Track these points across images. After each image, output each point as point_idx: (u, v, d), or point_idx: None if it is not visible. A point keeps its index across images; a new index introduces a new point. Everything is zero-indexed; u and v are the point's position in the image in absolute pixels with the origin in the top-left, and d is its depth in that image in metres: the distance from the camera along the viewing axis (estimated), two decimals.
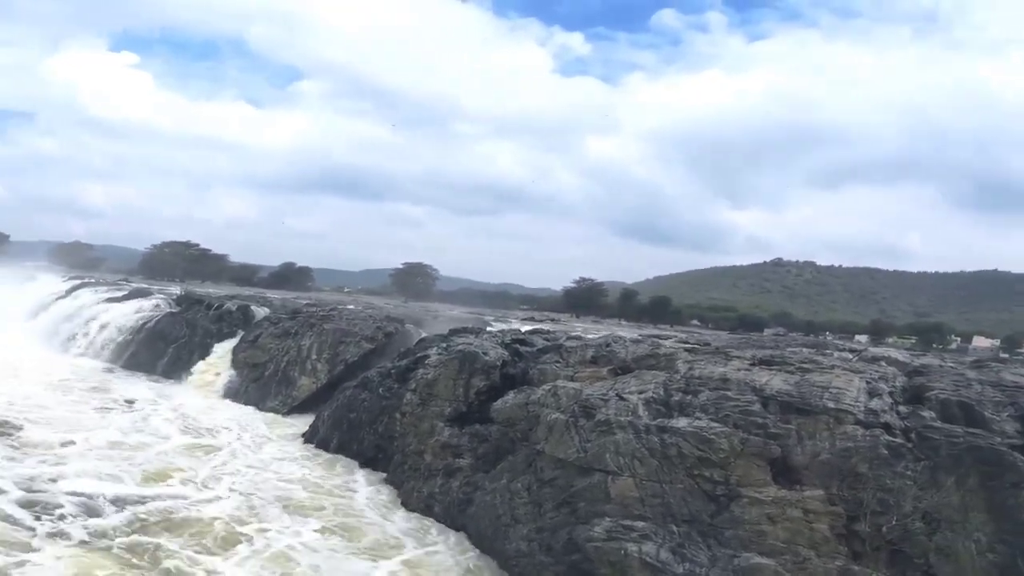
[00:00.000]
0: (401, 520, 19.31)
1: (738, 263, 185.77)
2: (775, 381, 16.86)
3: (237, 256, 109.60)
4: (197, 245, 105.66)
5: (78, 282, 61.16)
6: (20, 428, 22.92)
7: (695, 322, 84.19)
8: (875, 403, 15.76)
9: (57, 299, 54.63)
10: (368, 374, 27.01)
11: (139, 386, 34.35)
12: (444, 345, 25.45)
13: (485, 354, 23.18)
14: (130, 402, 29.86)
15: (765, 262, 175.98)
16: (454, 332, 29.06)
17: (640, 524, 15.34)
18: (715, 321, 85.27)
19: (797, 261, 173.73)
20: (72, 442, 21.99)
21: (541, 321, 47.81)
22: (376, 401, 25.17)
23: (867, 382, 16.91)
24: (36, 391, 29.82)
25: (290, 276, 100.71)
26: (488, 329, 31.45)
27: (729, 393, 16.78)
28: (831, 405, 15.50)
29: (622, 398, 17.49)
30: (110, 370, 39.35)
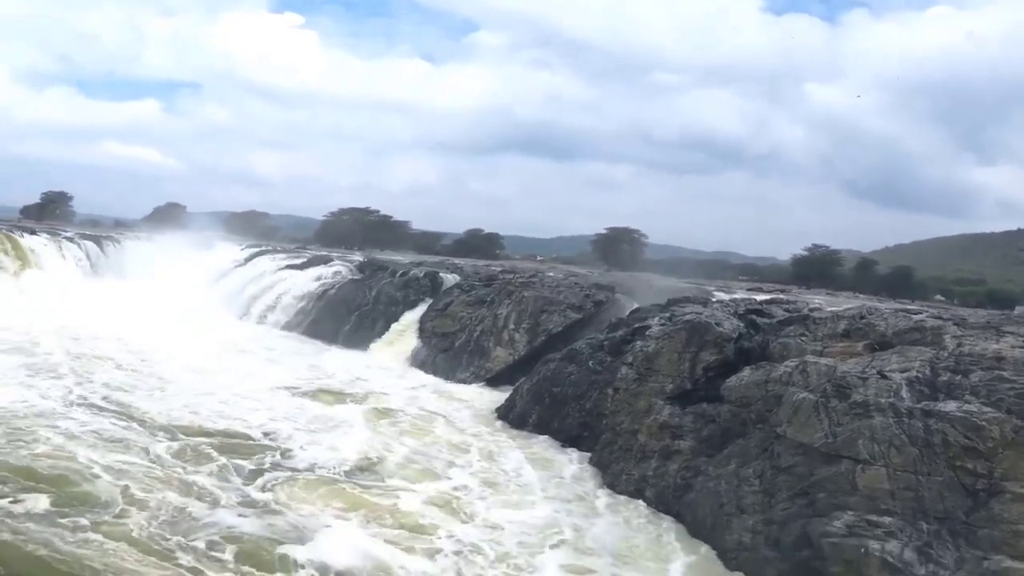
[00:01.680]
0: (609, 501, 20.73)
1: (988, 230, 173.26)
2: None
3: (419, 223, 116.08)
4: (377, 211, 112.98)
5: (256, 250, 68.33)
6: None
7: (939, 297, 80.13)
8: None
9: (236, 267, 61.74)
10: (576, 345, 28.60)
11: (318, 354, 38.70)
12: (667, 315, 26.42)
13: (718, 325, 23.88)
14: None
15: (1020, 229, 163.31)
16: (675, 302, 29.92)
17: (887, 520, 15.64)
18: (961, 296, 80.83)
19: None
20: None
21: (770, 292, 47.57)
22: (585, 375, 26.66)
23: None
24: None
25: (477, 243, 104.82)
26: (714, 299, 32.12)
27: (1005, 373, 16.70)
28: None
29: (884, 376, 17.75)
30: (291, 337, 44.15)
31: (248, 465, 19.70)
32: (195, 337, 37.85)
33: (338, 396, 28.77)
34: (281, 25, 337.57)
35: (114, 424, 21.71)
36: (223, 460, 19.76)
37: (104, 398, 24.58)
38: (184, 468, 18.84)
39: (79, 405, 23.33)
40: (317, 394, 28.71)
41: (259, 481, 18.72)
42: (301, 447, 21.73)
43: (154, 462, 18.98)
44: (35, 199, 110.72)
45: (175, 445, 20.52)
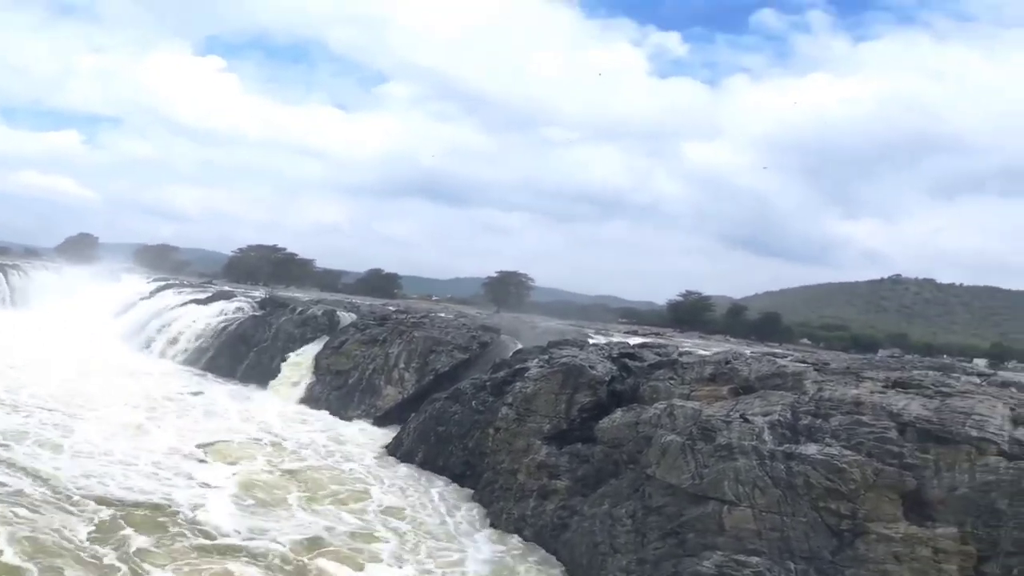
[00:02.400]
0: (489, 541, 19.33)
1: (853, 279, 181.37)
2: (913, 406, 16.17)
3: (324, 261, 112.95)
4: (283, 249, 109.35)
5: (162, 283, 64.45)
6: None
7: (805, 340, 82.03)
8: (1021, 432, 14.97)
9: (141, 299, 57.69)
10: (461, 385, 27.26)
11: (215, 390, 35.92)
12: (545, 357, 25.40)
13: (592, 368, 22.98)
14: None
15: (882, 279, 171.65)
16: (554, 344, 29.02)
17: (754, 560, 14.95)
18: (827, 340, 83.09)
19: (916, 278, 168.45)
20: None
21: (645, 335, 47.18)
22: (468, 415, 25.35)
23: (1011, 408, 16.06)
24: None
25: (377, 282, 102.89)
26: (591, 342, 31.24)
27: (863, 418, 16.18)
28: (974, 434, 14.80)
29: (746, 420, 17.06)
30: (189, 373, 41.12)
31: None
32: (89, 374, 34.55)
33: (224, 442, 26.21)
34: (204, 68, 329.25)
35: None
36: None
37: None
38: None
39: None
40: (205, 443, 25.77)
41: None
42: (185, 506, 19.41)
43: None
44: None
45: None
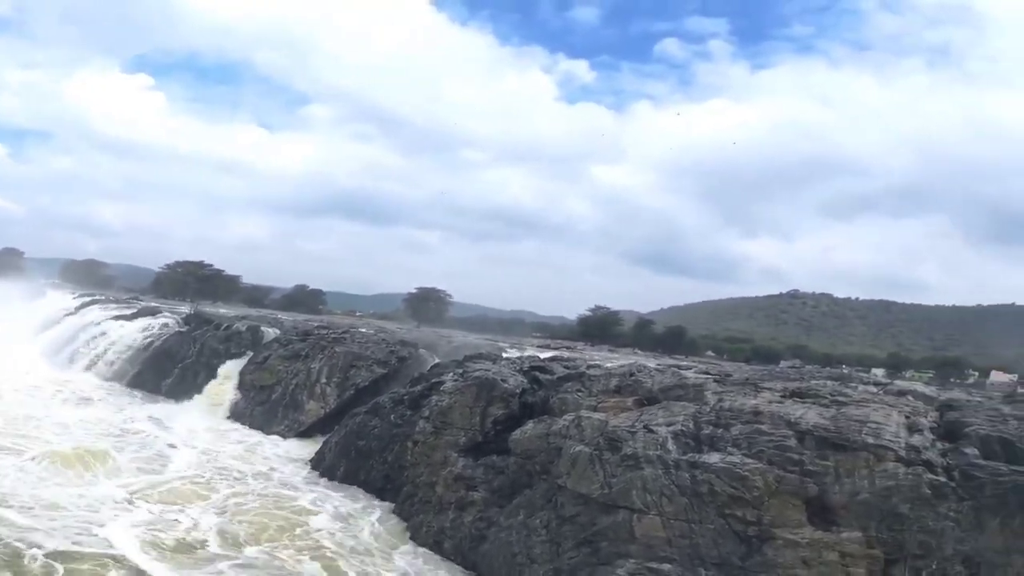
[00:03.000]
0: (408, 556, 18.28)
1: (753, 294, 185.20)
2: (810, 415, 15.93)
3: (250, 277, 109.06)
4: (210, 265, 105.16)
5: (88, 299, 60.81)
6: None
7: (710, 353, 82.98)
8: (916, 439, 14.88)
9: (66, 315, 54.23)
10: (379, 400, 26.08)
11: (139, 407, 33.64)
12: (460, 371, 24.48)
13: (504, 381, 22.19)
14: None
15: (781, 294, 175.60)
16: (469, 358, 28.08)
17: (666, 567, 14.45)
18: (730, 352, 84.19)
19: (813, 293, 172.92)
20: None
21: (557, 349, 46.64)
22: (387, 428, 24.21)
23: (906, 416, 16.02)
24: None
25: (302, 298, 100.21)
26: (504, 356, 30.45)
27: (763, 427, 15.84)
28: (871, 441, 14.57)
29: (650, 430, 16.56)
30: (112, 388, 38.56)
31: None
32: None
33: (145, 459, 24.35)
34: (132, 85, 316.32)
35: None
36: None
37: None
38: None
39: None
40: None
41: None
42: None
43: None
44: None
45: None
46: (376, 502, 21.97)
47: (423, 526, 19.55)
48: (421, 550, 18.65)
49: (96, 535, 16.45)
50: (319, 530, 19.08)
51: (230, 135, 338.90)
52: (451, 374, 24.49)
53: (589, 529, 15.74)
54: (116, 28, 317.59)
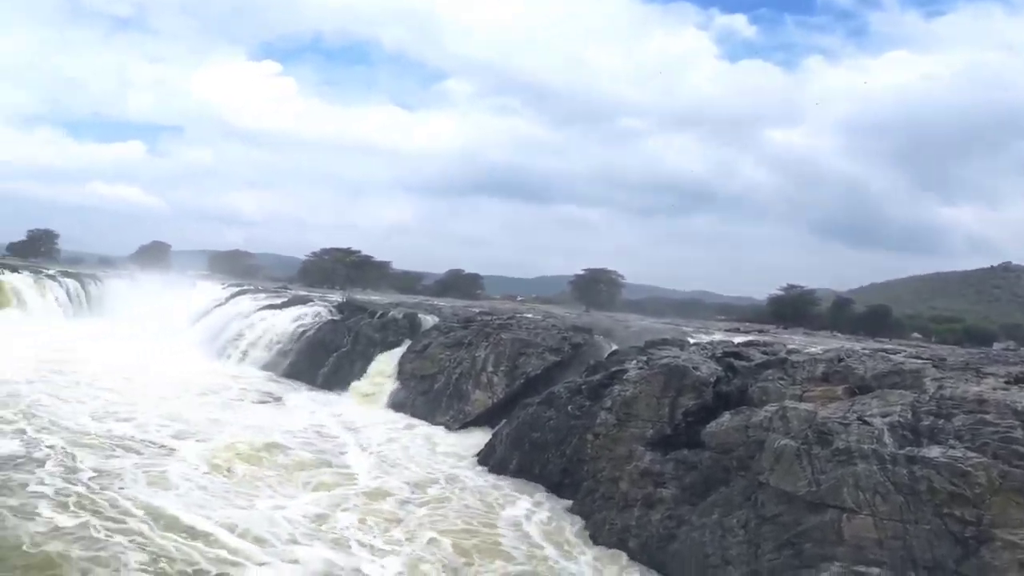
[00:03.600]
0: (588, 555, 19.88)
1: (960, 267, 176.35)
2: None
3: (398, 263, 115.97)
4: (358, 251, 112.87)
5: (237, 289, 67.66)
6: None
7: (916, 335, 79.97)
8: None
9: (216, 306, 60.69)
10: (554, 389, 27.87)
11: (299, 396, 37.83)
12: (644, 359, 25.86)
13: (695, 369, 23.34)
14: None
15: (992, 267, 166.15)
16: (652, 344, 29.44)
17: (875, 571, 15.17)
18: (939, 334, 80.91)
19: None
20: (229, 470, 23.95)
21: (747, 333, 47.09)
22: (564, 420, 25.94)
23: None
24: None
25: (457, 283, 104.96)
26: (690, 341, 31.59)
27: (988, 416, 16.27)
28: None
29: (864, 422, 17.25)
30: (269, 379, 43.22)
31: None
32: (168, 383, 36.54)
33: (317, 450, 27.77)
34: (260, 73, 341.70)
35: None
36: None
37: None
38: None
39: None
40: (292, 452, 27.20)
41: None
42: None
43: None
44: (22, 236, 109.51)
45: None
46: (553, 498, 23.76)
47: (605, 524, 21.07)
48: (603, 549, 20.18)
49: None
50: (488, 525, 21.10)
51: (365, 116, 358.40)
52: (634, 361, 25.93)
53: (792, 529, 16.61)
54: (236, 17, 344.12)
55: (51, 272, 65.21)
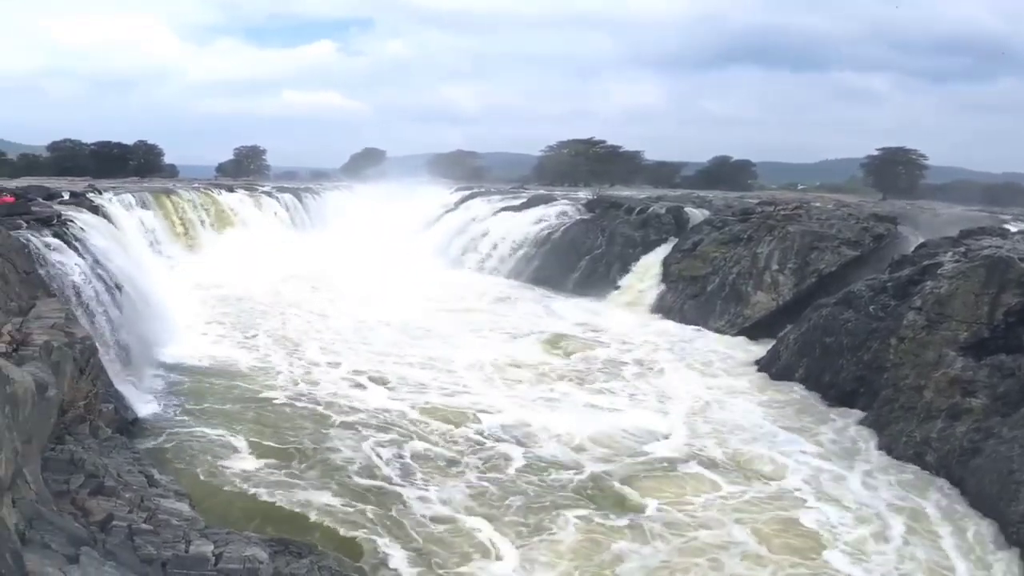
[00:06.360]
0: (883, 467, 21.96)
1: None
2: None
3: (649, 154, 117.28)
4: (602, 142, 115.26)
5: (467, 193, 73.13)
6: None
7: None
8: None
9: (447, 212, 66.51)
10: (854, 288, 29.52)
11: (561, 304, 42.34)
12: (961, 250, 26.85)
13: (1023, 260, 24.12)
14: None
15: None
16: (967, 234, 30.11)
17: None
18: None
19: None
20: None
21: None
22: (863, 322, 27.59)
23: None
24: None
25: (724, 173, 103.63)
26: (1011, 230, 32.09)
27: None
28: None
29: None
30: (514, 286, 48.04)
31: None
32: (416, 295, 41.91)
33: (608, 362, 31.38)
34: None
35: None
36: None
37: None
38: None
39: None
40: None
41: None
42: None
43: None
44: (228, 156, 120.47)
45: None
46: (842, 409, 25.99)
47: (902, 435, 22.80)
48: (897, 462, 22.16)
49: None
50: (772, 441, 23.59)
51: None
52: (949, 254, 26.95)
53: None
54: None
55: (267, 188, 72.82)
